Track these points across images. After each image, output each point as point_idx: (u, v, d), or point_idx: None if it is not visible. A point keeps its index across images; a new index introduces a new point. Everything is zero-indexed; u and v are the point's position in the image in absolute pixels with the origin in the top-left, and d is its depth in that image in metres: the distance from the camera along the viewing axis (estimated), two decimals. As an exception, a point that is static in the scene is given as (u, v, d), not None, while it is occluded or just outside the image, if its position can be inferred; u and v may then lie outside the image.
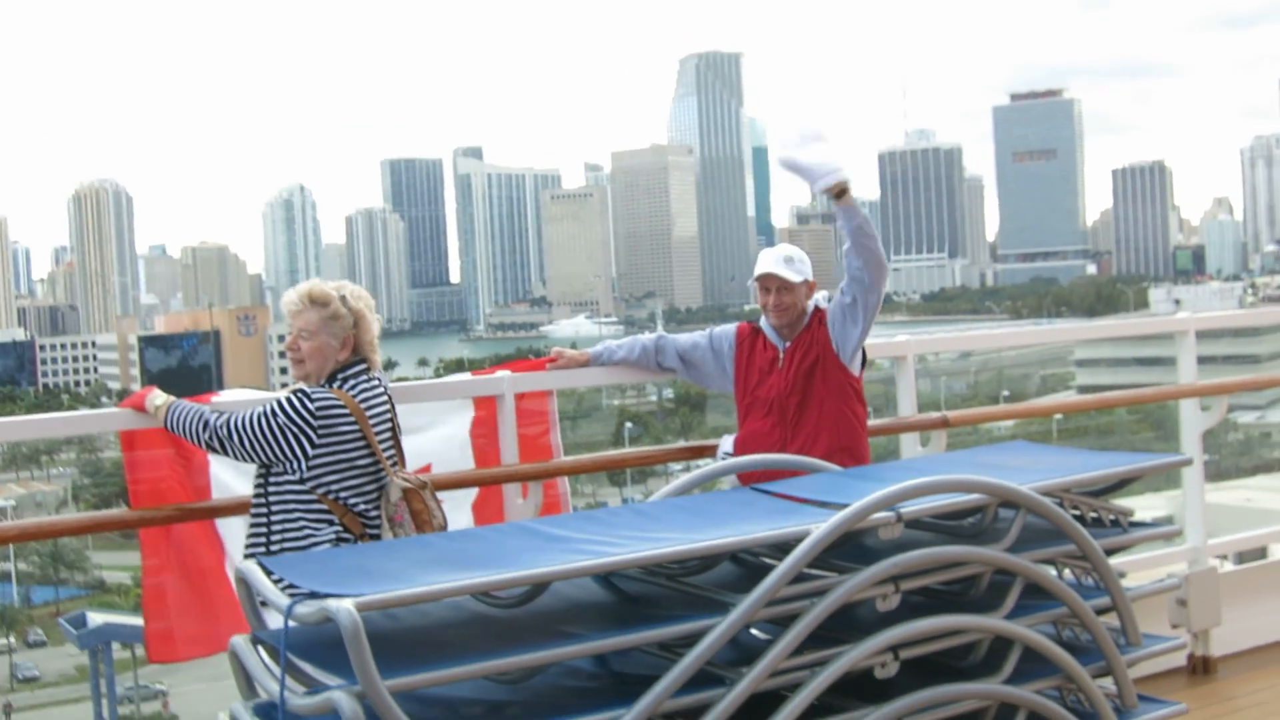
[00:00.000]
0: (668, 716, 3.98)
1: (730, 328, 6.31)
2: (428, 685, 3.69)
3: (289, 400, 5.13)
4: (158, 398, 5.37)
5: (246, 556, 5.14)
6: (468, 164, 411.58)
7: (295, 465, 5.13)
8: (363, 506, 5.20)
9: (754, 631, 4.27)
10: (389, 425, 5.36)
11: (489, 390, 6.20)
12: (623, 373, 6.52)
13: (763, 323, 6.17)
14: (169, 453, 5.64)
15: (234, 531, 5.75)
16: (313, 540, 5.11)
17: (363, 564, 4.16)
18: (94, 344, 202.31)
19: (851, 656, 4.10)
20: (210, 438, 5.18)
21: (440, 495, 5.37)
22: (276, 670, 3.82)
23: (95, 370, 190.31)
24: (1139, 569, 7.06)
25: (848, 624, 4.23)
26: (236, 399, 5.61)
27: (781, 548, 4.12)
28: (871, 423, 6.21)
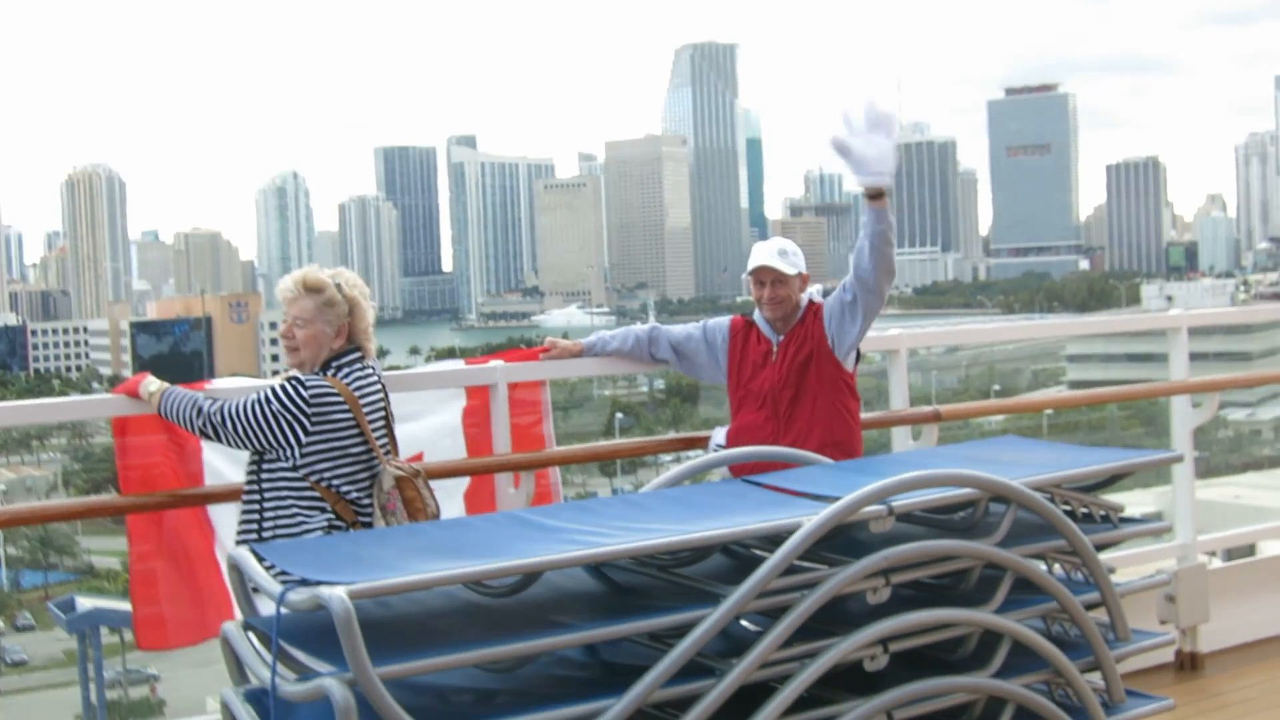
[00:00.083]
0: (657, 707, 3.99)
1: (724, 320, 6.31)
2: (419, 673, 3.69)
3: (283, 387, 5.14)
4: (151, 384, 5.37)
5: (239, 543, 5.15)
6: (461, 152, 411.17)
7: (289, 452, 5.13)
8: (355, 494, 5.21)
9: (744, 623, 4.28)
10: (382, 413, 5.36)
11: (482, 379, 6.21)
12: (616, 363, 6.52)
13: (756, 316, 6.17)
14: (161, 438, 5.63)
15: (225, 518, 5.76)
16: (305, 527, 5.12)
17: (355, 552, 4.17)
18: (85, 329, 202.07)
19: (841, 649, 4.10)
20: (204, 424, 5.19)
21: (432, 484, 5.38)
22: (268, 657, 3.83)
23: (87, 356, 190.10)
24: (1128, 564, 7.07)
25: (838, 617, 4.24)
26: (230, 386, 5.61)
27: (773, 540, 4.13)
28: (863, 416, 6.21)
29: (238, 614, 4.47)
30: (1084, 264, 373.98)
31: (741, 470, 5.44)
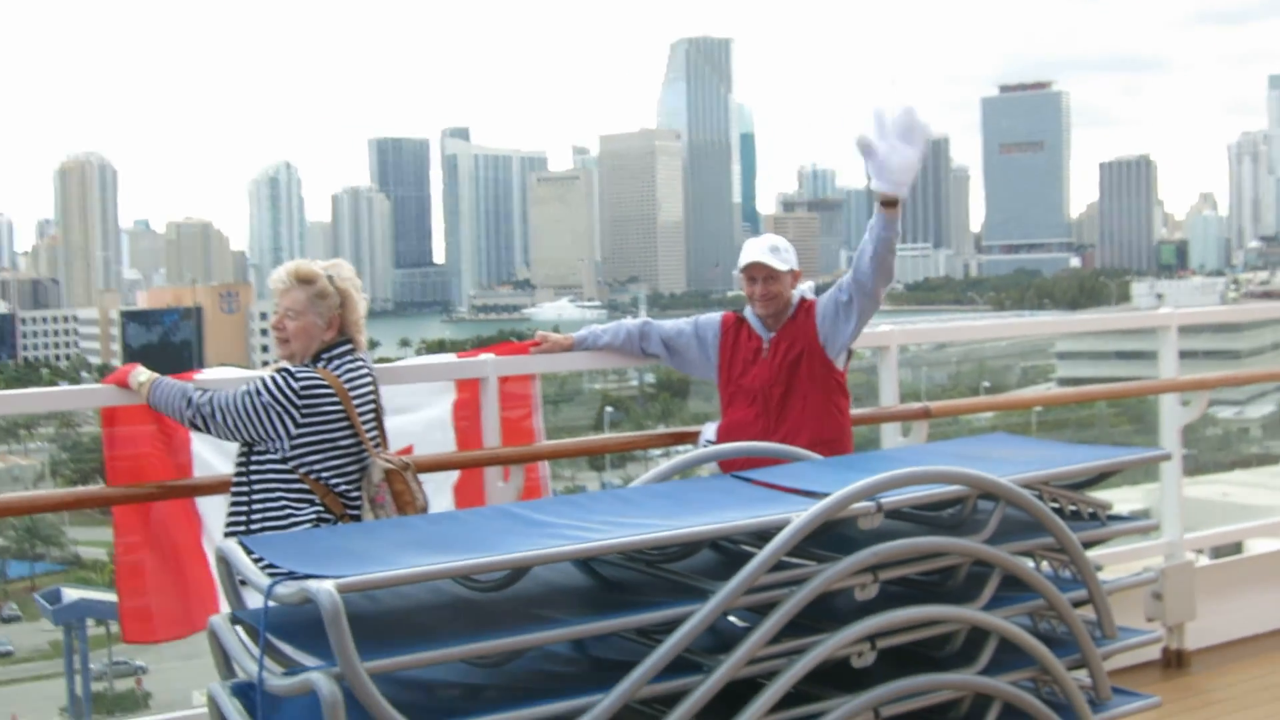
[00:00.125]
0: (645, 702, 4.00)
1: (715, 316, 6.31)
2: (406, 668, 3.70)
3: (273, 379, 5.13)
4: (141, 374, 5.37)
5: (226, 535, 5.15)
6: (455, 145, 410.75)
7: (278, 444, 5.13)
8: (344, 487, 5.21)
9: (732, 619, 4.29)
10: (372, 406, 5.36)
11: (472, 373, 6.21)
12: (606, 358, 6.52)
13: (748, 312, 6.17)
14: (150, 429, 5.63)
15: (212, 509, 5.75)
16: (293, 520, 5.12)
17: (344, 545, 4.17)
18: (75, 318, 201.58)
19: (829, 645, 4.11)
20: (194, 415, 5.19)
21: (422, 477, 5.38)
22: (255, 650, 3.83)
23: (76, 344, 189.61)
24: (1116, 562, 7.09)
25: (826, 613, 4.24)
26: (220, 377, 5.61)
27: (761, 536, 4.13)
28: (853, 412, 6.21)
29: (224, 607, 4.47)
30: (1075, 261, 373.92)
31: (731, 466, 5.45)
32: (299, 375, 5.15)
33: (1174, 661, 7.51)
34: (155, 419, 5.56)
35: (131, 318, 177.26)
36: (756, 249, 6.08)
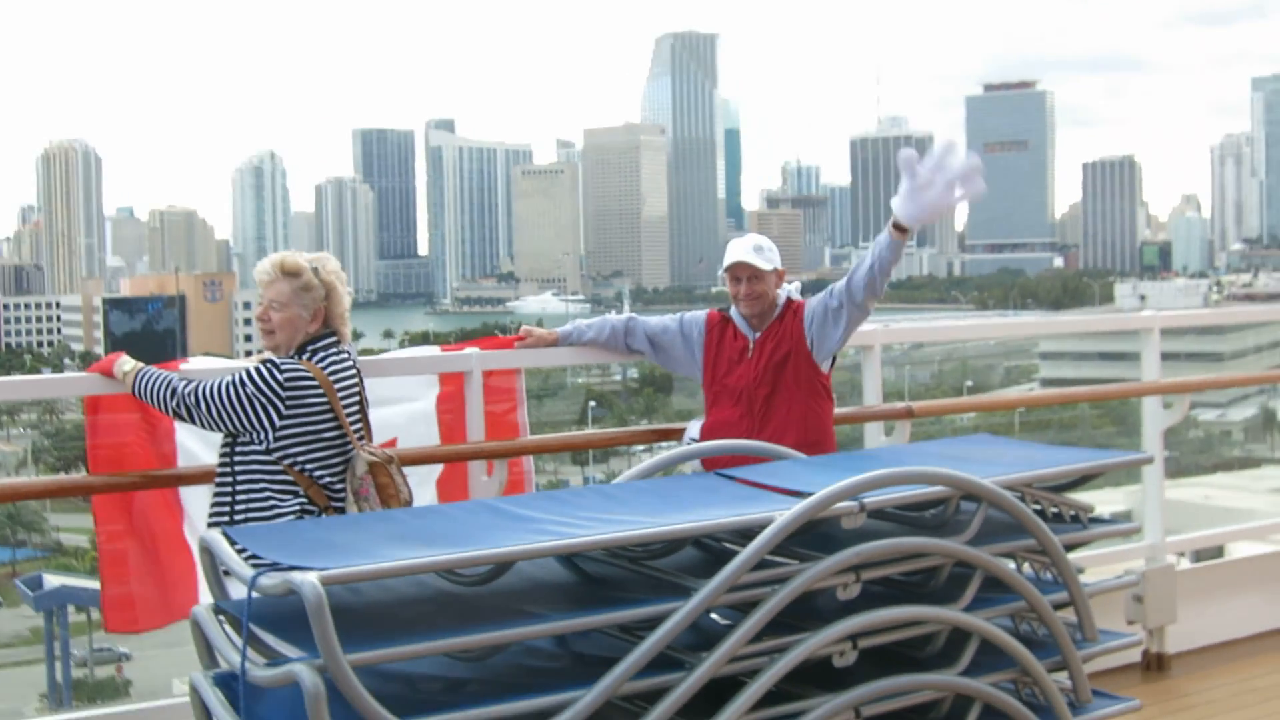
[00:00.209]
0: (627, 699, 4.00)
1: (700, 314, 6.30)
2: (389, 660, 3.70)
3: (258, 370, 5.14)
4: (126, 364, 5.37)
5: (210, 525, 5.16)
6: (439, 136, 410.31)
7: (262, 435, 5.14)
8: (328, 479, 5.21)
9: (715, 616, 4.29)
10: (357, 398, 5.37)
11: (457, 366, 6.21)
12: (591, 353, 6.52)
13: (733, 312, 6.17)
14: (134, 418, 5.63)
15: (195, 499, 5.75)
16: (277, 511, 5.12)
17: (328, 537, 4.16)
18: (58, 305, 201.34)
19: (811, 644, 4.12)
20: (178, 405, 5.19)
21: (405, 470, 5.38)
22: (238, 641, 3.83)
23: (59, 331, 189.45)
24: (1097, 564, 7.11)
25: (808, 612, 4.25)
26: (205, 367, 5.61)
27: (745, 534, 4.14)
28: (836, 411, 6.21)
29: (204, 596, 4.47)
30: (1058, 261, 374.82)
31: (715, 463, 5.45)
32: (284, 367, 5.16)
33: (1154, 664, 7.53)
34: (139, 408, 5.56)
35: (114, 305, 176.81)
36: (741, 249, 6.08)
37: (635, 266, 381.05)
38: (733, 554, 4.05)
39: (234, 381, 5.14)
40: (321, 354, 5.28)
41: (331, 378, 5.23)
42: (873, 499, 4.30)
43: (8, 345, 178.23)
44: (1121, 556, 7.74)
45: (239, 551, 4.04)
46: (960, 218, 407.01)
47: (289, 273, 5.29)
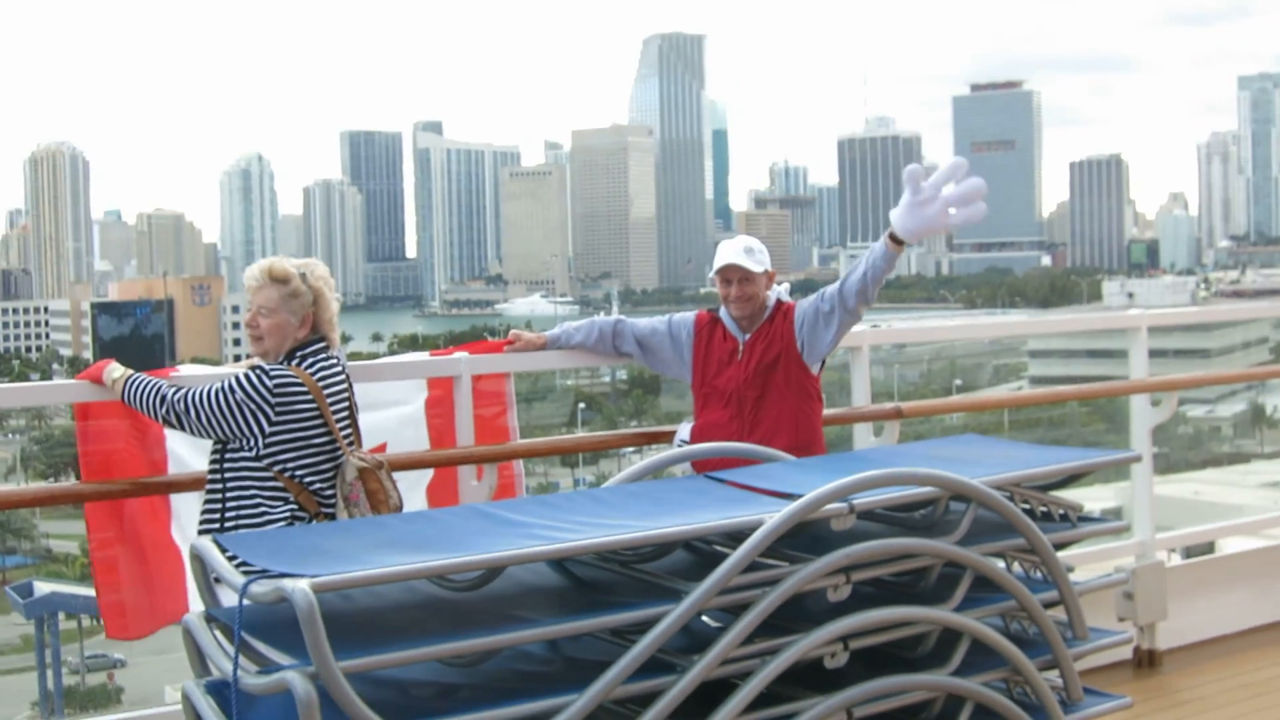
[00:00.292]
0: (619, 703, 4.01)
1: (689, 315, 6.31)
2: (381, 667, 3.70)
3: (247, 376, 5.14)
4: (115, 370, 5.37)
5: (201, 532, 5.16)
6: (427, 138, 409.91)
7: (252, 442, 5.14)
8: (318, 485, 5.21)
9: (706, 619, 4.30)
10: (346, 404, 5.37)
11: (446, 371, 6.21)
12: (580, 356, 6.52)
13: (722, 313, 6.17)
14: (124, 425, 5.63)
15: (184, 502, 5.75)
16: (267, 518, 5.12)
17: (318, 544, 4.16)
18: (46, 309, 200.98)
19: (802, 646, 4.13)
20: (167, 412, 5.19)
21: (395, 475, 5.39)
22: (230, 649, 3.83)
23: (47, 336, 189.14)
24: (1087, 561, 7.12)
25: (799, 614, 4.25)
26: (196, 374, 5.61)
27: (735, 536, 4.14)
28: (825, 412, 6.23)
29: (195, 602, 4.47)
30: (1046, 260, 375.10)
31: (705, 466, 5.46)
32: (273, 373, 5.16)
33: (1145, 661, 7.54)
34: (129, 414, 5.55)
35: (103, 309, 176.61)
36: (731, 251, 6.08)
37: (624, 268, 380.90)
38: (723, 557, 4.05)
39: (223, 388, 5.14)
40: (311, 359, 5.29)
41: (321, 383, 5.23)
42: (862, 500, 4.31)
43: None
44: (1112, 554, 7.76)
45: (230, 558, 4.04)
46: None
47: (277, 279, 5.30)
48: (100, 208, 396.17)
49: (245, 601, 3.68)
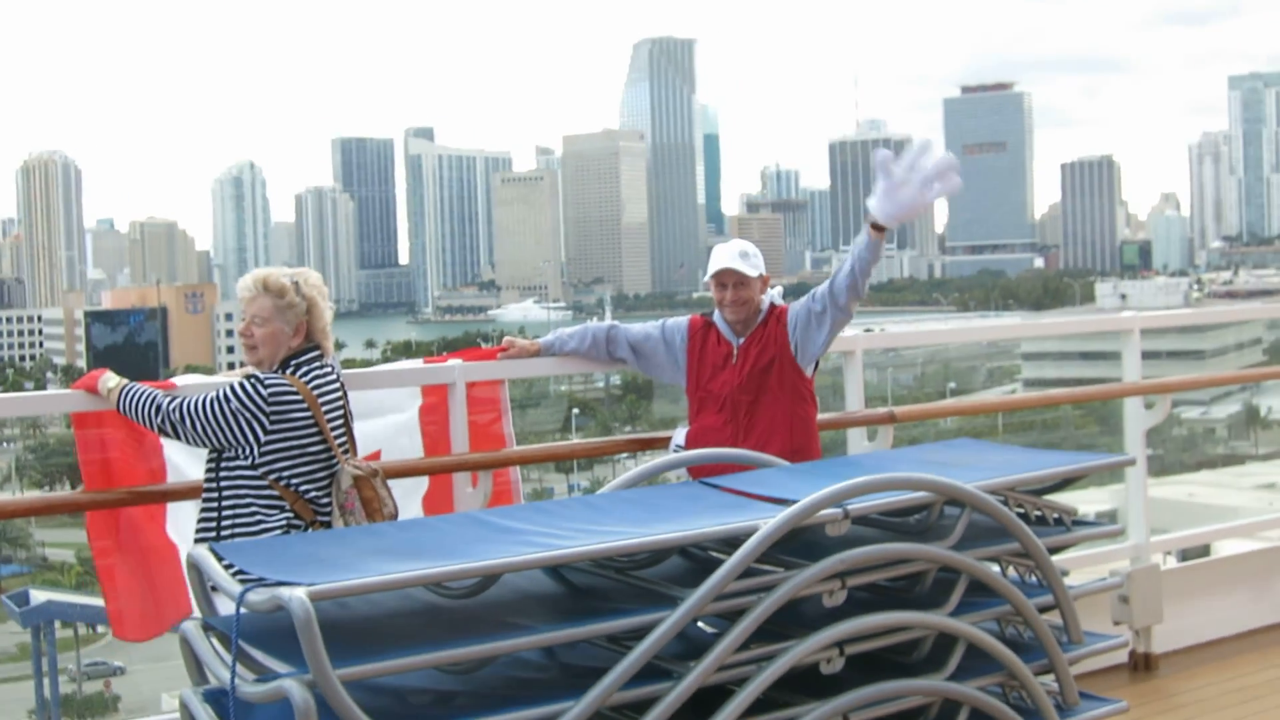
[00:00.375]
0: (616, 709, 4.01)
1: (683, 320, 6.31)
2: (378, 675, 3.71)
3: (242, 386, 5.15)
4: (110, 380, 5.37)
5: (197, 541, 5.17)
6: (419, 144, 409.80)
7: (247, 451, 5.15)
8: (314, 493, 5.22)
9: (701, 625, 4.30)
10: (341, 412, 5.38)
11: (440, 379, 6.21)
12: (574, 363, 6.52)
13: (716, 317, 6.18)
14: (121, 434, 5.63)
15: (181, 511, 5.75)
16: (263, 526, 5.13)
17: (315, 552, 4.17)
18: (40, 318, 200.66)
19: (798, 652, 4.13)
20: (163, 421, 5.19)
21: (390, 482, 5.39)
22: (227, 657, 3.84)
23: (40, 345, 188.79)
24: (1082, 565, 7.13)
25: (794, 619, 4.26)
26: (195, 384, 5.61)
27: (730, 543, 4.15)
28: (819, 417, 6.23)
29: (194, 605, 4.47)
30: (1039, 262, 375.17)
31: (700, 472, 5.46)
32: (268, 382, 5.17)
33: (1141, 665, 7.54)
34: (125, 423, 5.55)
35: (96, 318, 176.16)
36: (726, 255, 6.09)
37: (616, 273, 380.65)
38: (718, 563, 4.06)
39: (218, 397, 5.14)
40: (305, 368, 5.29)
41: (315, 392, 5.24)
42: (856, 506, 4.32)
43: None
44: (1106, 557, 7.76)
45: (226, 567, 4.05)
46: (940, 219, 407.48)
47: (271, 289, 5.30)
48: (93, 216, 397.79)
49: (242, 610, 3.69)
